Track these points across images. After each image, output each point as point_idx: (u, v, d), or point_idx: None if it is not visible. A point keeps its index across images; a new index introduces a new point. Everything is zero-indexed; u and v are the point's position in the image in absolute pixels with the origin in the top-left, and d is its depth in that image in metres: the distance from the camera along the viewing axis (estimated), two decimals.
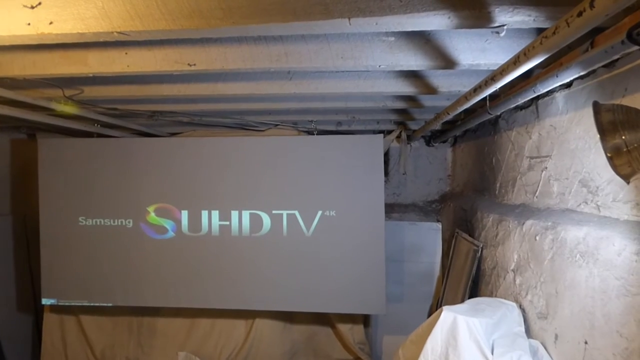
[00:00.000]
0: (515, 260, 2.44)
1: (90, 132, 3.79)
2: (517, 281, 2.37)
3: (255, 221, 3.51)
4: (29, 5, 1.35)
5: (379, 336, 4.22)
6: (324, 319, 3.94)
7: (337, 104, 2.86)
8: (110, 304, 3.69)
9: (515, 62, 1.31)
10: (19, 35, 1.39)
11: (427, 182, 4.59)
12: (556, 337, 1.94)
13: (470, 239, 3.25)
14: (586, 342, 1.63)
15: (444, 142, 4.42)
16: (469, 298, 3.02)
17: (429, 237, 4.30)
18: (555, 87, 2.15)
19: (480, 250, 3.00)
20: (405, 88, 2.36)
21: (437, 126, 3.66)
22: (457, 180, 4.31)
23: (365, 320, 3.99)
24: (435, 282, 4.22)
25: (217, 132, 3.81)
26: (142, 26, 1.37)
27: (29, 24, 1.37)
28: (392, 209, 4.44)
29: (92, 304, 3.71)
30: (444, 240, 4.24)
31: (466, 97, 1.92)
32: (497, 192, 3.07)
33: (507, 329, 2.09)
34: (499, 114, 2.44)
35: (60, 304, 3.74)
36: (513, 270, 2.45)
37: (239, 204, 3.51)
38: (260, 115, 3.42)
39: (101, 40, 1.46)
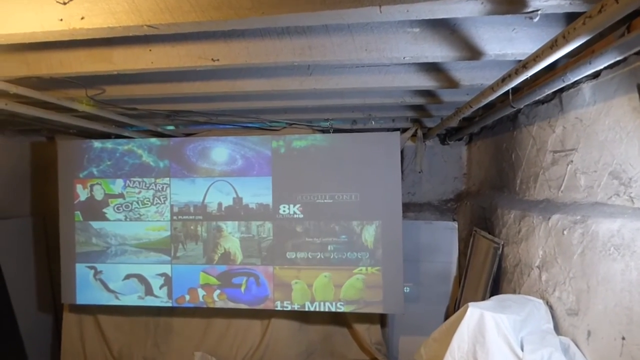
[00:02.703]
0: (540, 256, 2.39)
1: (108, 133, 3.83)
2: (543, 278, 2.32)
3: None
4: (62, 2, 1.36)
5: (396, 337, 4.18)
6: (341, 319, 3.91)
7: (356, 101, 2.85)
8: (127, 304, 3.70)
9: (552, 46, 1.28)
10: (52, 31, 1.40)
11: (442, 181, 4.54)
12: (589, 333, 1.89)
13: (489, 236, 3.20)
14: (623, 338, 1.59)
15: (459, 140, 4.38)
16: (490, 297, 2.97)
17: (445, 236, 4.26)
18: (582, 78, 2.12)
19: (501, 247, 2.95)
20: (426, 82, 2.34)
21: (454, 123, 3.63)
22: (473, 178, 4.26)
23: (382, 320, 3.94)
24: (452, 281, 4.17)
25: (231, 131, 3.81)
26: (171, 19, 1.37)
27: (61, 19, 1.38)
28: (407, 209, 4.40)
29: (109, 304, 3.72)
30: (460, 239, 4.19)
31: (493, 88, 1.89)
32: (517, 188, 3.02)
33: (535, 326, 2.05)
34: (521, 107, 2.40)
35: (78, 303, 3.77)
36: (538, 267, 2.41)
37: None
38: (277, 114, 3.42)
39: (131, 34, 1.46)
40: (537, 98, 2.18)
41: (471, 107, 2.26)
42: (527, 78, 1.82)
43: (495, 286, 2.98)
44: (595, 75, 2.01)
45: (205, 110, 3.11)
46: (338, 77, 2.35)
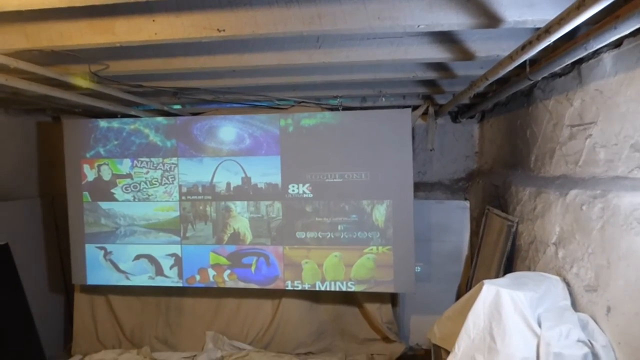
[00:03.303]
0: (557, 232, 2.33)
1: (114, 113, 3.79)
2: (560, 254, 2.26)
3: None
4: None
5: (406, 316, 4.18)
6: (351, 298, 3.91)
7: (366, 76, 2.76)
8: (138, 284, 3.72)
9: (580, 6, 1.19)
10: None
11: (453, 160, 4.45)
12: (608, 309, 1.85)
13: (503, 214, 3.14)
14: None
15: (471, 117, 4.27)
16: (504, 275, 2.93)
17: (456, 215, 4.20)
18: (603, 48, 2.02)
19: (515, 225, 2.89)
20: (440, 54, 2.24)
21: (466, 99, 3.53)
22: (486, 156, 4.17)
23: (393, 299, 3.93)
24: (464, 261, 4.13)
25: (239, 110, 3.75)
26: None
27: None
28: (417, 188, 4.34)
29: (120, 284, 3.75)
30: (472, 218, 4.13)
31: (511, 57, 1.80)
32: (532, 165, 2.94)
33: (552, 303, 2.00)
34: (538, 79, 2.30)
35: (89, 284, 3.80)
36: (555, 244, 2.35)
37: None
38: (284, 91, 3.34)
39: (132, 0, 1.39)
40: (556, 69, 2.08)
41: (487, 79, 2.17)
42: (548, 45, 1.73)
43: (509, 264, 2.93)
44: (617, 44, 1.91)
45: (212, 87, 3.04)
46: (348, 49, 2.27)
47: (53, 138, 4.08)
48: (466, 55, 2.24)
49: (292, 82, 2.88)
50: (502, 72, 2.02)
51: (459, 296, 4.13)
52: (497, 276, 2.98)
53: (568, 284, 2.13)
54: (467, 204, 4.21)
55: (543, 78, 2.77)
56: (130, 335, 4.08)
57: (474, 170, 4.39)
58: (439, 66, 2.65)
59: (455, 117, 4.29)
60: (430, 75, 2.73)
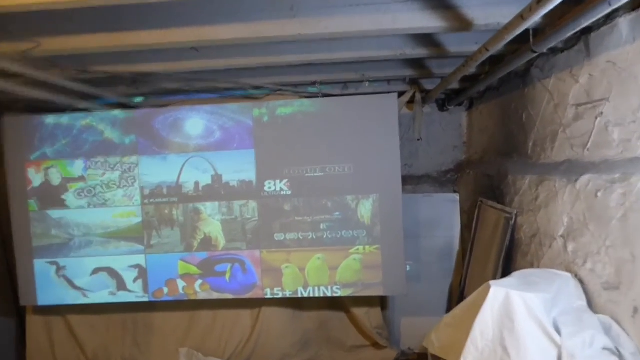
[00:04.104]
0: (565, 224, 2.08)
1: (66, 108, 3.34)
2: (570, 248, 2.01)
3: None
4: None
5: (396, 319, 3.90)
6: (337, 303, 3.60)
7: (347, 54, 2.45)
8: (97, 302, 3.29)
9: None
10: None
11: (440, 151, 4.21)
12: (635, 310, 1.60)
13: (499, 206, 2.90)
14: None
15: (459, 105, 4.03)
16: (503, 272, 2.69)
17: (445, 209, 3.95)
18: (618, 11, 1.78)
19: (513, 217, 2.64)
20: (433, 22, 1.95)
21: (456, 83, 3.28)
22: (475, 146, 3.94)
23: (382, 302, 3.65)
24: (455, 257, 3.89)
25: (208, 101, 3.37)
26: None
27: None
28: (404, 182, 4.03)
29: (76, 303, 3.31)
30: (463, 212, 3.89)
31: (522, 16, 1.52)
32: (529, 151, 2.70)
33: (567, 304, 1.75)
34: (543, 51, 2.04)
35: (43, 304, 3.35)
36: (562, 236, 2.10)
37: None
38: (257, 77, 2.99)
39: None
40: (567, 35, 1.82)
41: (487, 50, 1.89)
42: (556, 11, 1.47)
43: (508, 260, 2.69)
44: (635, 6, 1.66)
45: (173, 72, 2.66)
46: (327, 19, 1.95)
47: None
48: (462, 24, 1.96)
49: (265, 63, 2.54)
50: (508, 38, 1.74)
51: (451, 295, 3.89)
52: (495, 273, 2.73)
53: (581, 282, 1.88)
54: (456, 196, 3.97)
55: (542, 55, 2.52)
56: (94, 357, 3.64)
57: (462, 161, 4.15)
58: (430, 41, 2.37)
59: (442, 105, 4.04)
60: (420, 52, 2.44)
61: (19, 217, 3.25)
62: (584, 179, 1.97)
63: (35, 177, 3.25)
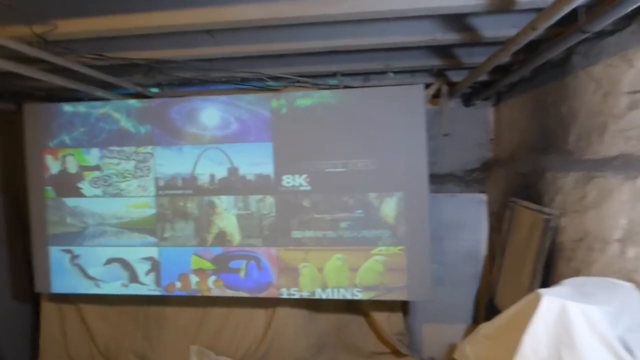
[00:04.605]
0: (623, 226, 1.85)
1: (81, 98, 3.30)
2: (630, 254, 1.78)
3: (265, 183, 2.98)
4: None
5: (418, 325, 3.69)
6: (356, 306, 3.42)
7: (372, 40, 2.28)
8: (109, 292, 3.21)
9: None
10: None
11: (466, 149, 3.97)
12: None
13: (536, 207, 2.66)
14: None
15: (486, 99, 3.79)
16: (542, 279, 2.45)
17: (471, 210, 3.72)
18: None
19: (555, 219, 2.41)
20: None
21: (485, 75, 3.05)
22: (504, 143, 3.69)
23: (403, 307, 3.45)
24: (483, 262, 3.65)
25: (225, 92, 3.25)
26: None
27: None
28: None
29: (89, 292, 3.24)
30: (491, 213, 3.65)
31: None
32: (570, 146, 2.47)
33: (632, 320, 1.52)
34: (596, 30, 1.82)
35: (53, 292, 3.30)
36: (620, 241, 1.87)
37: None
38: (275, 66, 2.85)
39: None
40: (627, 10, 1.60)
41: (534, 29, 1.68)
42: None
43: (548, 267, 2.45)
44: None
45: (188, 59, 2.54)
46: None
47: (17, 128, 3.58)
48: (503, 2, 1.76)
49: (283, 49, 2.39)
50: (560, 13, 1.53)
51: (478, 302, 3.66)
52: (532, 281, 2.50)
53: None
54: (484, 196, 3.73)
55: (585, 41, 2.30)
56: (105, 350, 3.58)
57: (490, 159, 3.91)
58: (463, 25, 2.17)
59: (467, 99, 3.81)
60: (452, 38, 2.25)
61: (37, 204, 3.22)
62: None
63: (53, 165, 3.20)
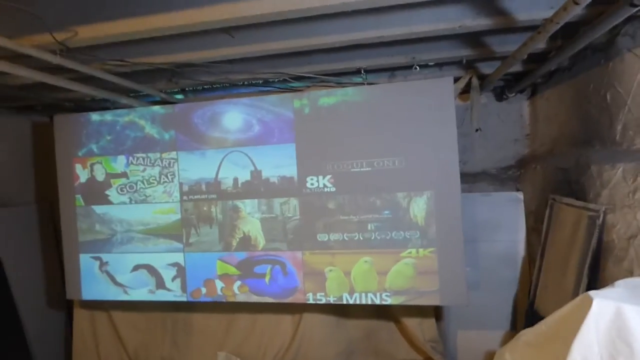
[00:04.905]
0: None
1: (107, 107, 3.37)
2: None
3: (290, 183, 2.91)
4: None
5: (452, 331, 3.50)
6: (386, 312, 3.28)
7: (397, 30, 2.17)
8: (137, 299, 3.23)
9: None
10: None
11: (499, 146, 3.77)
12: None
13: (580, 203, 2.46)
14: None
15: (520, 92, 3.58)
16: (589, 282, 2.25)
17: (507, 210, 3.52)
18: None
19: (601, 215, 2.21)
20: None
21: (519, 65, 2.88)
22: (541, 137, 3.47)
23: (436, 312, 3.28)
24: (521, 264, 3.43)
25: (248, 95, 3.22)
26: None
27: None
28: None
29: (117, 299, 3.27)
30: (529, 212, 3.43)
31: None
32: (617, 137, 2.27)
33: None
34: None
35: (86, 298, 3.34)
36: None
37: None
38: (297, 65, 2.79)
39: None
40: None
41: (577, 3, 1.53)
42: None
43: (595, 267, 2.25)
44: None
45: (209, 60, 2.52)
46: None
47: (49, 139, 3.70)
48: None
49: (305, 46, 2.32)
50: None
51: (516, 307, 3.43)
52: (578, 283, 2.30)
53: None
54: (520, 195, 3.52)
55: (632, 19, 2.11)
56: (135, 356, 3.60)
57: (526, 156, 3.69)
58: (494, 9, 2.03)
59: (500, 93, 3.62)
60: (482, 23, 2.11)
61: (67, 212, 3.29)
62: None
63: (82, 173, 3.27)
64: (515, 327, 3.40)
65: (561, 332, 1.42)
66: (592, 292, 1.37)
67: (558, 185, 2.89)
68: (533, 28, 2.09)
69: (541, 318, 1.84)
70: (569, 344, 1.32)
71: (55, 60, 2.17)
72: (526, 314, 3.10)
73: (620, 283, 1.53)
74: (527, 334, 1.70)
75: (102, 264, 3.26)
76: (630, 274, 1.96)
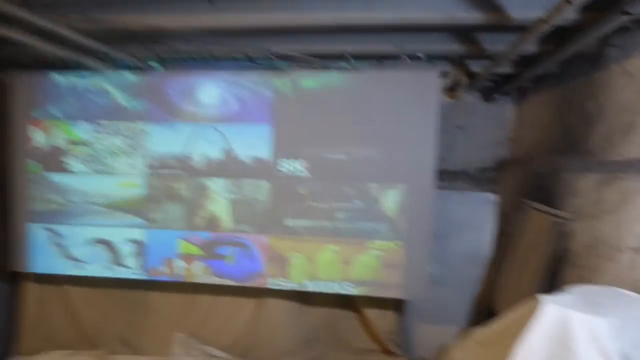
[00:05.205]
0: (639, 234, 1.67)
1: (73, 67, 3.12)
2: None
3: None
4: None
5: (412, 325, 3.54)
6: (349, 302, 3.27)
7: (387, 15, 2.09)
8: (91, 274, 3.07)
9: None
10: None
11: (481, 146, 3.77)
12: None
13: (548, 209, 2.49)
14: None
15: (507, 94, 3.58)
16: (547, 286, 2.28)
17: (480, 210, 3.55)
18: None
19: (568, 223, 2.23)
20: None
21: (508, 66, 2.85)
22: (522, 142, 3.49)
23: (397, 305, 3.29)
24: (485, 264, 3.48)
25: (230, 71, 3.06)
26: None
27: None
28: (437, 176, 3.68)
29: (70, 273, 3.10)
30: (501, 214, 3.47)
31: None
32: (593, 147, 2.28)
33: (637, 334, 1.36)
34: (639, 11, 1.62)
35: (35, 271, 3.15)
36: (634, 249, 1.69)
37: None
38: (281, 43, 2.66)
39: None
40: None
41: (569, 2, 1.49)
42: None
43: (553, 273, 2.28)
44: None
45: (185, 28, 2.36)
46: None
47: (4, 98, 3.41)
48: None
49: (289, 22, 2.20)
50: None
51: (477, 305, 3.50)
52: (535, 287, 2.33)
53: None
54: (493, 197, 3.55)
55: (622, 31, 2.10)
56: (87, 334, 3.44)
57: (505, 159, 3.72)
58: (488, 4, 1.98)
59: (488, 93, 3.60)
60: (474, 17, 2.05)
61: (18, 178, 3.06)
62: None
63: (38, 137, 3.04)
64: (473, 324, 3.47)
65: (508, 333, 1.42)
66: (541, 296, 1.37)
67: (531, 190, 2.92)
68: (525, 27, 2.05)
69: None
70: (515, 345, 1.32)
71: (10, 9, 1.96)
72: (484, 313, 3.16)
73: (574, 290, 1.55)
74: (477, 334, 1.70)
75: (55, 235, 3.07)
76: (582, 280, 1.99)
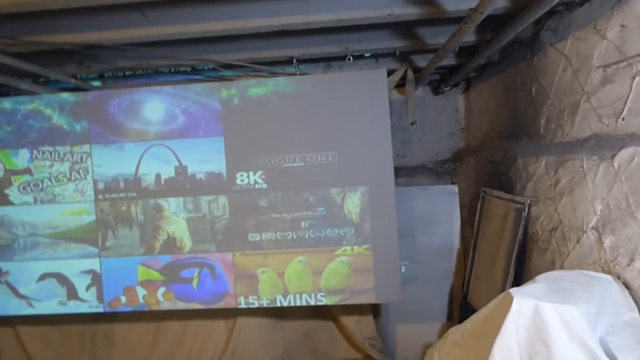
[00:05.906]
0: (599, 212, 1.68)
1: (6, 92, 2.94)
2: (607, 243, 1.61)
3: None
4: None
5: (391, 327, 3.49)
6: (324, 311, 3.18)
7: (326, 16, 2.05)
8: (45, 312, 2.85)
9: None
10: None
11: (436, 139, 3.82)
12: None
13: (507, 196, 2.50)
14: None
15: (455, 86, 3.63)
16: (516, 273, 2.28)
17: (443, 203, 3.56)
18: None
19: (526, 208, 2.24)
20: None
21: (452, 58, 2.88)
22: (475, 131, 3.55)
23: (374, 309, 3.24)
24: (456, 256, 3.49)
25: (175, 84, 2.94)
26: None
27: None
28: (396, 173, 3.62)
29: (20, 314, 2.87)
30: (463, 205, 3.49)
31: None
32: (541, 130, 2.32)
33: (613, 318, 1.34)
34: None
35: None
36: (595, 229, 1.70)
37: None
38: (224, 52, 2.58)
39: None
40: None
41: None
42: None
43: (521, 259, 2.28)
44: None
45: (122, 42, 2.24)
46: None
47: None
48: None
49: (228, 29, 2.13)
50: None
51: (452, 299, 3.49)
52: (506, 275, 2.33)
53: (627, 286, 1.48)
54: (455, 188, 3.58)
55: (554, 14, 2.15)
56: None
57: (461, 149, 3.76)
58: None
59: (437, 86, 3.64)
60: (411, 12, 2.04)
61: None
62: (625, 153, 1.57)
63: None
64: (452, 318, 3.46)
65: (484, 331, 1.38)
66: (513, 290, 1.33)
67: (489, 179, 2.94)
68: (461, 20, 2.05)
69: (474, 310, 1.82)
70: (492, 344, 1.27)
71: None
72: (460, 305, 3.15)
73: (540, 278, 1.52)
74: (453, 334, 1.65)
75: (1, 273, 2.84)
76: (552, 264, 2.00)
